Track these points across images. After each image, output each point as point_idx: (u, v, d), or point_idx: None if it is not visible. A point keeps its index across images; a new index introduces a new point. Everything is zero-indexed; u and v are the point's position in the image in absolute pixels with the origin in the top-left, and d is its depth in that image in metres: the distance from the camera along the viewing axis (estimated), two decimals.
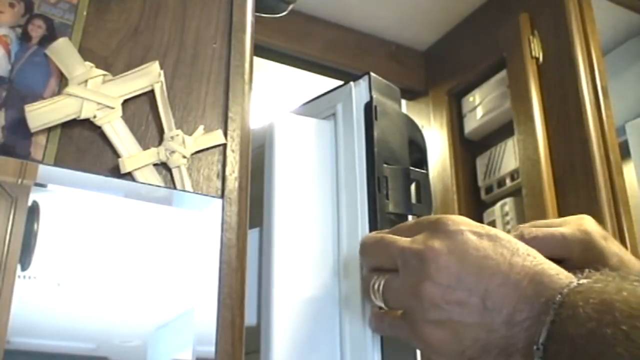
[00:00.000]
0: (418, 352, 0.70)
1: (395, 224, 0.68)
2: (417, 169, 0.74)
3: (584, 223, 0.67)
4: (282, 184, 0.70)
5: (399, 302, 0.58)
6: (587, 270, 0.50)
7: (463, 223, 0.57)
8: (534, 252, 0.54)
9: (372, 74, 0.77)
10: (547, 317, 0.47)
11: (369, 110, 0.72)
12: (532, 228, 0.67)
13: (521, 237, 0.66)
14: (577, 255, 0.65)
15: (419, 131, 0.79)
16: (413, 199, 0.72)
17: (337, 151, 0.74)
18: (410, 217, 0.73)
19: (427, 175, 0.74)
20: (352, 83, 0.76)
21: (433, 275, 0.54)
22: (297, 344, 0.66)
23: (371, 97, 0.73)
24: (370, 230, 0.68)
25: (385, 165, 0.71)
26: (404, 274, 0.57)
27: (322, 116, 0.77)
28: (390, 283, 0.59)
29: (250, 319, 0.67)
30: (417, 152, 0.79)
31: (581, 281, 0.48)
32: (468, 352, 0.52)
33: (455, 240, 0.55)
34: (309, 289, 0.67)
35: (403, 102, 2.25)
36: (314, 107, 0.79)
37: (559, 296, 0.47)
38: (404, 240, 0.59)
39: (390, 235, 0.61)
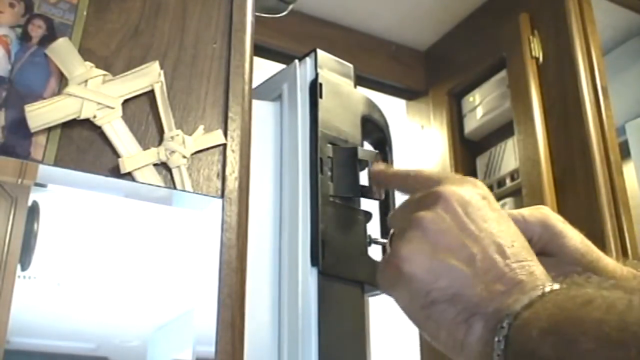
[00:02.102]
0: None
1: (341, 208, 0.64)
2: (366, 149, 0.69)
3: (541, 207, 0.67)
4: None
5: (396, 221, 0.55)
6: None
7: (479, 186, 0.54)
8: (531, 260, 0.53)
9: (319, 50, 0.72)
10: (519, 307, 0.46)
11: (315, 89, 0.68)
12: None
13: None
14: (537, 236, 0.64)
15: (375, 108, 0.74)
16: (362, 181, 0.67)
17: (282, 133, 0.70)
18: (360, 200, 0.68)
19: (377, 154, 0.69)
20: (297, 61, 0.72)
21: (438, 211, 0.50)
22: None
23: (317, 75, 0.70)
24: (312, 215, 0.64)
25: (330, 146, 0.67)
26: (413, 202, 0.53)
27: (270, 98, 0.73)
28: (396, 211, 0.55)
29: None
30: (376, 131, 0.74)
31: (557, 286, 0.47)
32: (434, 294, 0.48)
33: (470, 191, 0.53)
34: (249, 278, 0.65)
35: (403, 102, 2.25)
36: (262, 89, 0.76)
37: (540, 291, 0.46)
38: (431, 176, 0.56)
39: (423, 171, 0.58)
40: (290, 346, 0.62)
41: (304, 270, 0.63)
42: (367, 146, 0.75)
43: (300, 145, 0.67)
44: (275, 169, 0.70)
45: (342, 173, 0.66)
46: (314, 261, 0.63)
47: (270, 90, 0.74)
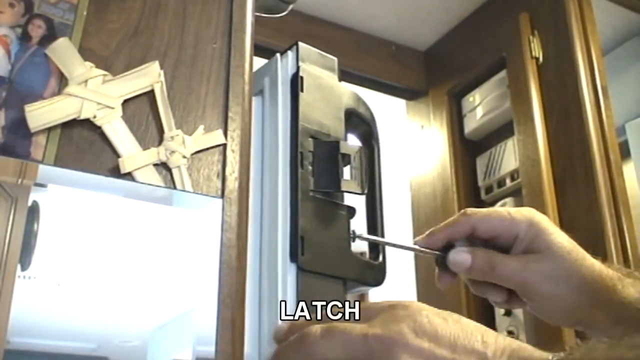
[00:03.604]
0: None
1: (320, 203, 0.63)
2: (349, 144, 0.67)
3: (527, 208, 0.67)
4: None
5: None
6: (568, 347, 0.49)
7: (423, 307, 0.52)
8: (501, 335, 0.52)
9: (300, 43, 0.70)
10: None
11: (295, 83, 0.67)
12: (476, 208, 0.65)
13: (465, 215, 0.65)
14: (523, 233, 0.64)
15: (363, 102, 0.73)
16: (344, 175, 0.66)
17: (263, 128, 0.69)
18: (343, 195, 0.66)
19: (361, 148, 0.67)
20: (278, 55, 0.71)
21: None
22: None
23: (298, 68, 0.68)
24: (291, 210, 0.62)
25: (311, 139, 0.66)
26: None
27: (252, 93, 0.72)
28: None
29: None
30: (363, 124, 0.73)
31: (561, 355, 0.47)
32: None
33: (422, 323, 0.50)
34: None
35: (403, 102, 2.25)
36: None
37: None
38: (360, 327, 0.51)
39: (339, 324, 0.53)
40: (270, 343, 0.61)
41: (284, 266, 0.62)
42: (353, 140, 0.73)
43: (280, 139, 0.66)
44: (256, 165, 0.69)
45: (324, 167, 0.65)
46: (293, 257, 0.62)
47: (253, 85, 0.73)
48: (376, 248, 0.69)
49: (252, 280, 0.65)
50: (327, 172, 0.65)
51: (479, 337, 0.50)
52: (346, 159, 0.66)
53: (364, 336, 0.51)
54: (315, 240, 0.63)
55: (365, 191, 0.67)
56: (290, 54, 0.71)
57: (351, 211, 0.68)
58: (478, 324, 0.52)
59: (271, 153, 0.67)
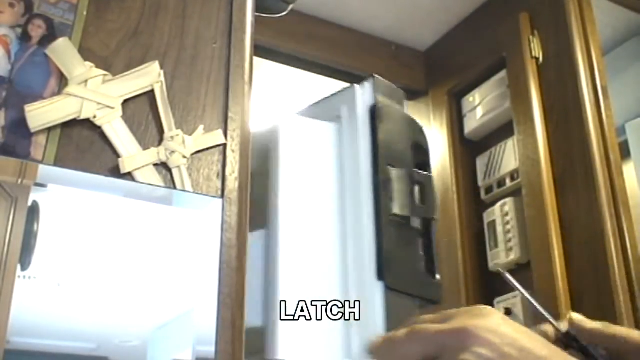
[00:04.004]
0: None
1: (399, 226, 0.68)
2: (421, 171, 0.74)
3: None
4: (288, 186, 0.71)
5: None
6: None
7: (497, 312, 0.55)
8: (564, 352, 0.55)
9: (376, 76, 0.77)
10: None
11: (373, 113, 0.73)
12: (584, 318, 0.66)
13: (571, 323, 0.66)
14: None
15: (423, 133, 0.79)
16: (417, 201, 0.72)
17: (342, 153, 0.74)
18: (414, 219, 0.72)
19: (430, 177, 0.75)
20: (356, 85, 0.76)
21: (475, 350, 0.50)
22: (302, 346, 0.65)
23: (375, 100, 0.74)
24: (377, 232, 0.68)
25: (389, 167, 0.71)
26: (443, 354, 0.52)
27: (327, 118, 0.77)
28: None
29: (254, 320, 0.67)
30: (421, 154, 0.78)
31: None
32: None
33: (494, 320, 0.53)
34: (315, 291, 0.67)
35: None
36: (319, 109, 0.79)
37: None
38: (436, 325, 0.54)
39: (420, 325, 0.56)
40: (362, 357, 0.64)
41: (371, 284, 0.66)
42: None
43: (362, 166, 0.72)
44: (337, 186, 0.73)
45: (401, 194, 0.71)
46: (380, 275, 0.66)
47: (326, 111, 0.78)
48: (433, 265, 0.73)
49: (339, 296, 0.69)
50: (404, 198, 0.71)
51: (544, 347, 0.52)
52: (419, 187, 0.73)
53: (438, 332, 0.54)
54: (397, 261, 0.68)
55: (436, 216, 0.73)
56: (367, 85, 0.76)
57: (421, 233, 0.73)
58: (545, 340, 0.54)
59: (353, 177, 0.72)
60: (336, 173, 0.73)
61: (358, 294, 0.67)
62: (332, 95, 0.79)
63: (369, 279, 0.67)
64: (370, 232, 0.68)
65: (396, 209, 0.70)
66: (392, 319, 0.65)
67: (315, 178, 0.71)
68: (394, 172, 0.72)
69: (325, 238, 0.70)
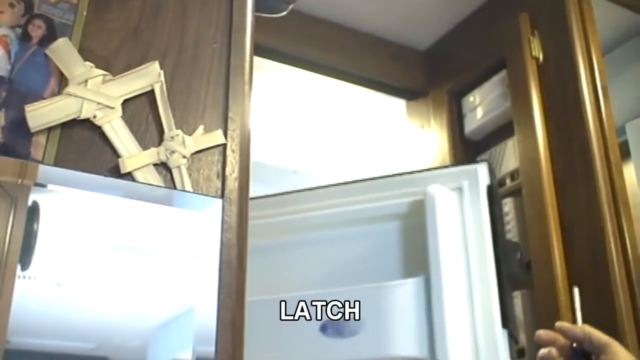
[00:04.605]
0: None
1: (510, 284, 0.86)
2: (515, 242, 0.95)
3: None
4: (442, 242, 0.87)
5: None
6: None
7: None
8: None
9: (488, 162, 0.93)
10: None
11: (490, 193, 0.91)
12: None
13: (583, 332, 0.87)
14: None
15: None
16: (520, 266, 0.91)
17: (464, 219, 0.90)
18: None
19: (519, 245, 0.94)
20: (476, 166, 0.93)
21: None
22: None
23: (492, 183, 0.92)
24: (500, 291, 0.86)
25: (506, 240, 0.91)
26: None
27: (448, 187, 0.92)
28: None
29: (418, 352, 0.82)
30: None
31: None
32: None
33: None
34: (459, 329, 0.84)
35: (403, 102, 2.25)
36: (442, 177, 0.96)
37: None
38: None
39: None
40: None
41: (499, 331, 0.84)
42: None
43: (486, 237, 0.88)
44: (463, 247, 0.89)
45: (511, 260, 0.90)
46: (505, 324, 0.83)
47: (448, 181, 0.94)
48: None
49: (469, 339, 0.87)
50: (513, 264, 0.91)
51: None
52: (520, 254, 0.94)
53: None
54: (511, 312, 0.88)
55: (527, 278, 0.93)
56: (483, 168, 0.93)
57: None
58: None
59: (477, 244, 0.88)
60: (462, 235, 0.90)
61: (486, 337, 0.84)
62: (453, 167, 1.00)
63: (497, 326, 0.84)
64: (495, 289, 0.85)
65: (509, 270, 0.89)
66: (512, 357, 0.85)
67: (452, 237, 0.88)
68: (506, 243, 0.92)
69: (460, 288, 0.87)
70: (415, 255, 0.87)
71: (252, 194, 0.69)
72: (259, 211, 0.88)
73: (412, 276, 0.83)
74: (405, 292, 0.82)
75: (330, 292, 0.82)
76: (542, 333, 0.88)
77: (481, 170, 0.93)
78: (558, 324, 0.88)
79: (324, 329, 0.78)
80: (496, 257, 0.86)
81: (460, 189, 0.92)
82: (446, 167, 0.99)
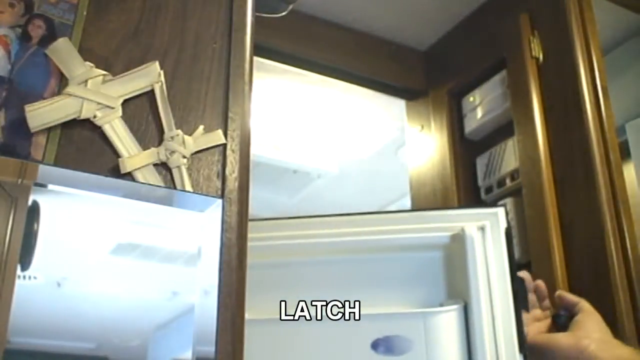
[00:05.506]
0: None
1: (522, 314, 0.98)
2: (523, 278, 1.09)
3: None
4: (480, 273, 0.97)
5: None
6: None
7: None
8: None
9: (507, 206, 0.95)
10: None
11: (508, 234, 1.02)
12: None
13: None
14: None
15: None
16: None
17: (487, 254, 0.99)
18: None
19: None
20: (497, 209, 1.03)
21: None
22: None
23: (509, 226, 1.02)
24: (516, 318, 0.96)
25: (518, 276, 1.03)
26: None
27: (472, 225, 1.02)
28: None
29: None
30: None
31: None
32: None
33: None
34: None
35: (403, 102, 2.25)
36: (466, 215, 1.06)
37: None
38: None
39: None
40: None
41: (517, 357, 0.94)
42: None
43: (505, 269, 0.99)
44: (485, 279, 0.99)
45: (521, 295, 1.04)
46: (522, 349, 0.94)
47: (473, 219, 1.03)
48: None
49: None
50: (522, 294, 1.06)
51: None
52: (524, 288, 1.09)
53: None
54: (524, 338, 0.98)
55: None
56: (502, 212, 1.03)
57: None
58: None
59: (498, 275, 0.99)
60: (484, 267, 0.99)
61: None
62: (477, 208, 1.11)
63: (516, 352, 0.94)
64: (514, 318, 0.96)
65: (523, 302, 1.05)
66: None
67: (483, 270, 0.99)
68: (520, 281, 1.05)
69: (489, 317, 0.96)
70: (452, 283, 1.00)
71: (252, 194, 0.70)
72: (309, 230, 0.99)
73: (449, 303, 0.95)
74: (449, 318, 0.93)
75: (379, 314, 0.93)
76: (539, 283, 1.10)
77: (501, 213, 1.07)
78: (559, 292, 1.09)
79: (375, 346, 0.88)
80: (515, 291, 0.98)
81: (483, 229, 1.03)
82: (470, 207, 1.17)
